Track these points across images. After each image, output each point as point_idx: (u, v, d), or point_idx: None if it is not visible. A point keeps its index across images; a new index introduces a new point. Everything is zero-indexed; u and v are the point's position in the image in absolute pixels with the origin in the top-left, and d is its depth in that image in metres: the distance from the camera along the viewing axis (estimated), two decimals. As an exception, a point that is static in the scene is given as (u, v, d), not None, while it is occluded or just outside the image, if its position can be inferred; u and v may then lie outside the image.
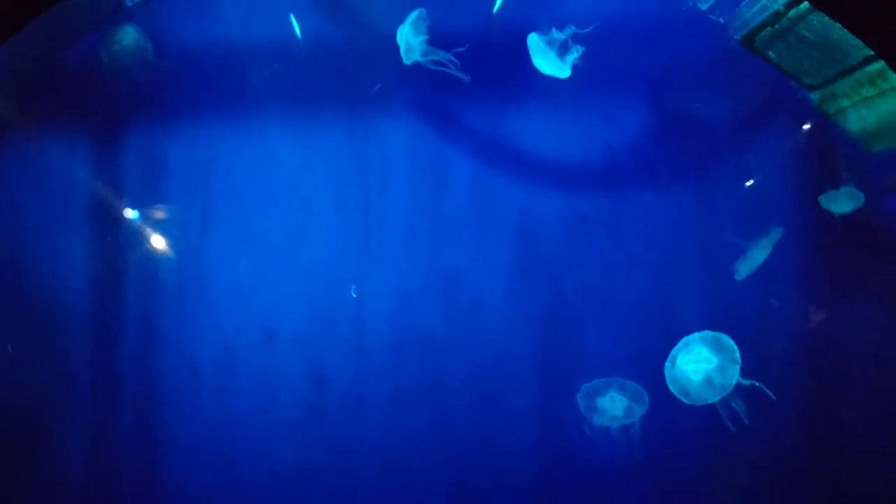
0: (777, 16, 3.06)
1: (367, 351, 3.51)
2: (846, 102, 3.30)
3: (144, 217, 3.41)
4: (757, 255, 3.36)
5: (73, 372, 3.39)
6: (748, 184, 3.44)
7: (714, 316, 3.39)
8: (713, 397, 3.06)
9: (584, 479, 3.51)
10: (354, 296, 3.44)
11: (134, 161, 3.47)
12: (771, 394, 3.05)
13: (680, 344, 3.08)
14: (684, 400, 3.07)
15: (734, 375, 3.03)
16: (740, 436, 3.16)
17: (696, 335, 3.08)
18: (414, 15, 3.24)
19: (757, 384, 3.08)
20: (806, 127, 3.46)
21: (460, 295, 3.55)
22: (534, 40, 3.24)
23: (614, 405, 3.27)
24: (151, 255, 3.42)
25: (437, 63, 3.28)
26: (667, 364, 3.08)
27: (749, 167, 3.46)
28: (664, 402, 3.31)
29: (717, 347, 3.06)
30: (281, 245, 3.48)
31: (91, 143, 3.49)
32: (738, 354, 3.05)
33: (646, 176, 3.53)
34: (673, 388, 3.08)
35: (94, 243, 3.42)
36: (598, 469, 3.47)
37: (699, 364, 3.06)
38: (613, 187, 3.59)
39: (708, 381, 3.04)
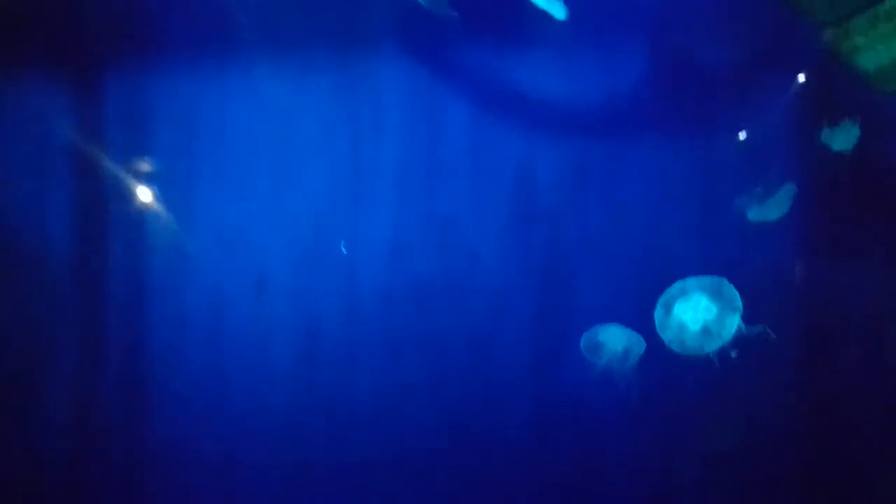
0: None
1: (360, 300, 3.51)
2: (861, 40, 3.17)
3: (128, 163, 3.40)
4: (771, 210, 3.23)
5: (58, 324, 3.39)
6: (750, 131, 3.30)
7: (714, 266, 3.28)
8: (710, 347, 2.96)
9: (580, 428, 3.53)
10: (344, 251, 3.37)
11: (116, 104, 3.46)
12: (773, 335, 2.92)
13: (676, 291, 2.98)
14: (679, 349, 2.97)
15: (733, 324, 2.92)
16: (736, 386, 3.03)
17: (694, 282, 2.98)
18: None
19: (760, 330, 2.94)
20: (811, 70, 3.31)
21: (455, 244, 3.54)
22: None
23: (612, 351, 3.18)
24: (136, 202, 3.42)
25: (431, 2, 3.22)
26: (660, 311, 2.98)
27: (753, 113, 3.32)
28: (662, 351, 3.25)
29: (716, 295, 2.96)
30: (270, 192, 3.44)
31: (71, 86, 3.48)
32: (738, 303, 2.94)
33: (647, 121, 3.49)
34: (667, 337, 2.98)
35: (77, 191, 3.41)
36: (595, 418, 3.49)
37: (697, 313, 2.96)
38: (613, 133, 3.56)
39: (706, 330, 2.95)
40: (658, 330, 3.10)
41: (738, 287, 3.15)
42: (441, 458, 3.54)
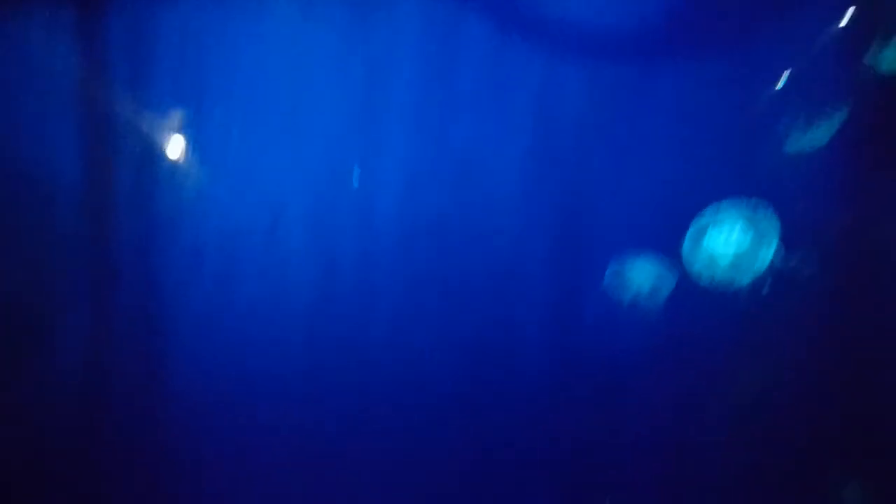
0: None
1: (376, 237, 3.39)
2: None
3: (136, 96, 3.25)
4: (813, 138, 2.99)
5: (67, 260, 3.27)
6: (792, 51, 3.06)
7: (751, 197, 3.04)
8: (742, 281, 2.74)
9: (603, 370, 3.37)
10: (356, 183, 3.20)
11: (122, 36, 3.33)
12: (810, 269, 2.69)
13: (706, 220, 2.76)
14: (707, 282, 2.76)
15: (768, 256, 2.70)
16: (769, 322, 2.81)
17: (727, 211, 2.76)
18: None
19: (797, 263, 2.72)
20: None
21: (474, 178, 3.38)
22: None
23: (638, 288, 2.98)
24: (145, 136, 3.27)
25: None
26: (688, 242, 2.76)
27: (794, 31, 3.07)
28: (692, 287, 3.04)
29: (751, 225, 2.74)
30: (282, 125, 3.29)
31: (75, 17, 3.32)
32: (775, 234, 2.72)
33: (680, 43, 3.25)
34: (695, 270, 2.77)
35: (86, 125, 3.28)
36: (619, 360, 3.33)
37: (730, 243, 2.74)
38: (644, 55, 3.34)
39: (738, 262, 2.73)
40: (685, 262, 2.88)
41: (779, 217, 2.91)
42: (457, 397, 3.40)
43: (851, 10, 3.12)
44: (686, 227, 3.18)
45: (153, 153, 3.27)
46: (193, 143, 3.28)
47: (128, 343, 3.29)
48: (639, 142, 3.38)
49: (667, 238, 3.26)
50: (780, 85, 3.23)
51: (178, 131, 3.25)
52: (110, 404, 3.26)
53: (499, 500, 3.45)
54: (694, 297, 3.17)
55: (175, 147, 3.26)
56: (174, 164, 3.29)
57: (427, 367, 3.41)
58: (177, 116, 3.25)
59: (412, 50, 3.36)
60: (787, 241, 2.97)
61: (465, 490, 3.44)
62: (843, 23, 3.13)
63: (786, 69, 3.21)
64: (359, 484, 3.35)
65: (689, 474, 3.42)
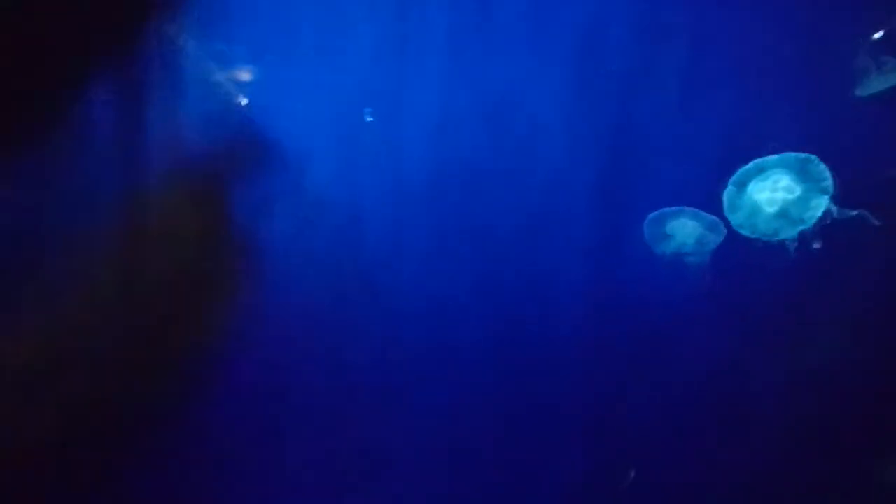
0: None
1: (406, 181, 3.22)
2: None
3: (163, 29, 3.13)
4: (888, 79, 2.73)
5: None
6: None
7: (809, 144, 2.80)
8: (788, 233, 2.52)
9: (645, 319, 3.22)
10: (370, 119, 3.05)
11: None
12: (876, 221, 2.46)
13: (752, 167, 2.55)
14: (747, 233, 2.55)
15: (819, 207, 2.48)
16: (823, 280, 2.60)
17: (775, 158, 2.53)
18: None
19: (857, 216, 2.49)
20: None
21: (512, 118, 3.18)
22: None
23: (685, 234, 2.79)
24: (170, 72, 3.16)
25: None
26: (732, 189, 2.55)
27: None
28: (742, 241, 2.83)
29: (801, 174, 2.51)
30: (309, 62, 3.13)
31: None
32: (828, 183, 2.48)
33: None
34: (736, 219, 2.56)
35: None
36: (661, 309, 3.16)
37: (776, 192, 2.52)
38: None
39: (784, 212, 2.51)
40: (726, 211, 2.66)
41: (836, 168, 2.66)
42: (489, 353, 3.25)
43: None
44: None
45: (178, 90, 3.15)
46: (218, 81, 3.15)
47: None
48: (690, 80, 3.14)
49: (716, 186, 3.04)
50: (852, 19, 2.93)
51: (204, 68, 3.13)
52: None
53: (534, 454, 3.33)
54: (743, 249, 2.94)
55: (200, 84, 3.14)
56: (197, 101, 3.17)
57: (459, 316, 3.28)
58: (202, 53, 3.12)
59: None
60: (849, 192, 2.70)
61: (500, 445, 3.33)
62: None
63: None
64: (388, 436, 3.25)
65: (734, 434, 3.23)
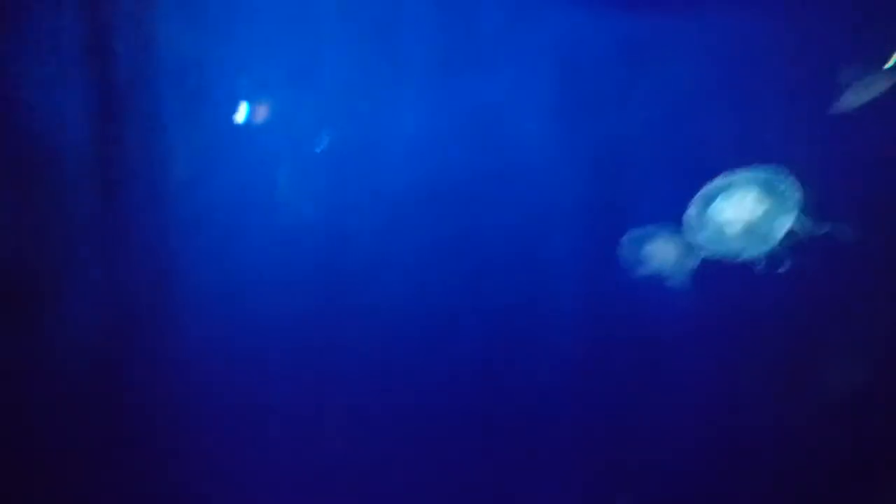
0: None
1: (389, 200, 3.21)
2: None
3: (137, 56, 3.22)
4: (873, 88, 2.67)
5: (74, 227, 3.28)
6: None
7: (794, 158, 2.74)
8: (755, 250, 2.48)
9: (639, 338, 3.19)
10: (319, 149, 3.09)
11: None
12: (851, 234, 2.40)
13: (719, 184, 2.51)
14: (712, 251, 2.51)
15: (786, 224, 2.43)
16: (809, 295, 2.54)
17: (742, 174, 2.49)
18: None
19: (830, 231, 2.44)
20: None
21: (493, 135, 3.15)
22: None
23: (664, 255, 2.75)
24: (147, 98, 3.24)
25: None
26: (696, 207, 2.52)
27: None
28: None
29: (769, 190, 2.47)
30: (286, 81, 3.19)
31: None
32: (796, 200, 2.43)
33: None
34: (702, 237, 2.52)
35: (90, 87, 3.27)
36: (656, 327, 3.13)
37: (742, 209, 2.48)
38: (677, 3, 3.05)
39: (751, 229, 2.46)
40: (691, 228, 2.62)
41: (812, 183, 2.60)
42: (481, 373, 3.26)
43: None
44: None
45: (156, 116, 3.24)
46: (195, 105, 3.22)
47: (135, 309, 3.28)
48: (672, 96, 3.11)
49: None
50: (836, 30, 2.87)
51: (180, 93, 3.21)
52: (118, 372, 3.29)
53: (526, 483, 3.30)
54: (729, 268, 2.89)
55: (182, 109, 3.22)
56: (181, 126, 3.25)
57: (448, 340, 3.27)
58: (180, 76, 3.20)
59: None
60: (822, 208, 2.63)
61: (490, 472, 3.31)
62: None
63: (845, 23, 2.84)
64: (375, 462, 3.26)
65: (729, 457, 3.18)
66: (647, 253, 2.97)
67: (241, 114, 3.25)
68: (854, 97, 2.70)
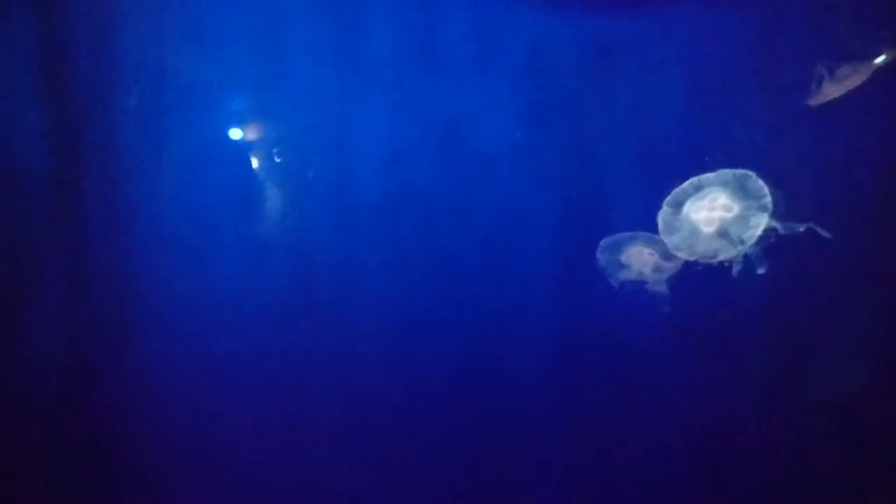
0: None
1: (357, 218, 3.17)
2: None
3: (98, 78, 3.16)
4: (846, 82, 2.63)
5: (36, 249, 3.21)
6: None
7: (770, 160, 2.69)
8: (727, 253, 2.41)
9: (615, 349, 3.12)
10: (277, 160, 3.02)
11: (82, 10, 3.20)
12: (826, 233, 2.34)
13: (688, 186, 2.45)
14: (687, 256, 2.44)
15: (759, 226, 2.36)
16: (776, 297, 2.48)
17: (711, 176, 2.43)
18: None
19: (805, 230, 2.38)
20: None
21: (462, 147, 3.11)
22: None
23: (642, 261, 2.69)
24: (109, 120, 3.18)
25: None
26: (667, 210, 2.45)
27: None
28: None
29: (740, 191, 2.41)
30: (249, 98, 3.13)
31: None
32: (768, 200, 2.37)
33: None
34: (674, 241, 2.46)
35: (49, 110, 3.21)
36: (632, 338, 3.08)
37: (714, 212, 2.42)
38: (646, 5, 2.99)
39: (723, 232, 2.40)
40: (663, 233, 2.55)
41: (785, 182, 2.54)
42: (453, 390, 3.21)
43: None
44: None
45: (120, 137, 3.18)
46: (158, 125, 3.16)
47: (100, 331, 3.21)
48: (642, 101, 3.06)
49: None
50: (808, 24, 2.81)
51: (141, 113, 3.14)
52: (83, 395, 3.21)
53: (501, 492, 3.22)
54: (708, 272, 2.82)
55: (139, 129, 3.16)
56: (143, 144, 3.18)
57: (418, 357, 3.21)
58: (140, 97, 3.14)
59: (388, 8, 3.11)
60: (796, 207, 2.57)
61: (466, 490, 3.22)
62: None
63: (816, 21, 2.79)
64: (343, 483, 3.18)
65: (718, 462, 3.14)
66: (623, 258, 2.90)
67: (206, 130, 3.18)
68: (827, 91, 2.64)
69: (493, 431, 3.18)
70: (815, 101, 2.68)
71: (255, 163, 3.21)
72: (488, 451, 3.19)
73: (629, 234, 2.89)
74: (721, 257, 2.56)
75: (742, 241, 2.51)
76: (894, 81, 2.69)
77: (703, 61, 2.95)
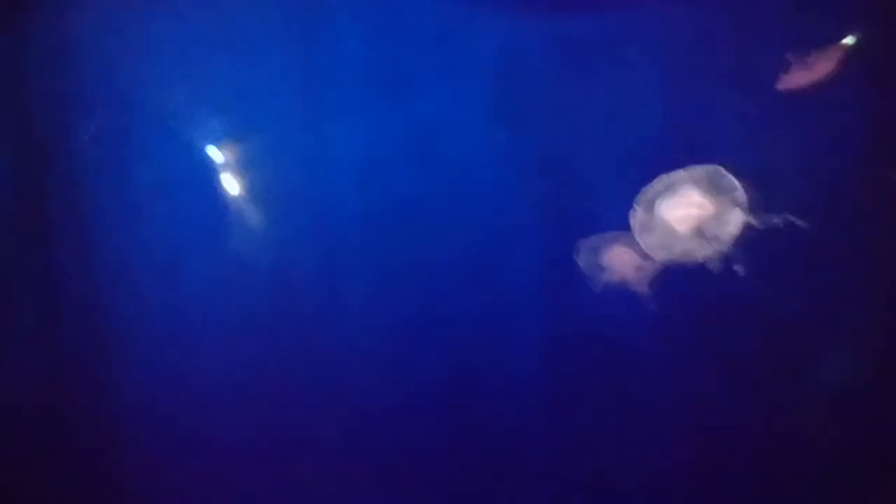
0: None
1: (334, 232, 3.15)
2: None
3: (57, 106, 3.14)
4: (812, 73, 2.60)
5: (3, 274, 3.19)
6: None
7: (743, 154, 2.64)
8: (705, 251, 2.38)
9: (609, 352, 3.06)
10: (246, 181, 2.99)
11: (42, 34, 3.18)
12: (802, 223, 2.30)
13: (658, 184, 2.41)
14: (664, 257, 2.41)
15: (735, 222, 2.33)
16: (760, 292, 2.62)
17: (682, 173, 2.40)
18: None
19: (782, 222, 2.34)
20: None
21: (435, 154, 3.08)
22: None
23: (623, 262, 2.66)
24: (71, 147, 3.16)
25: None
26: (638, 211, 2.42)
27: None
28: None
29: (713, 187, 2.37)
30: (214, 117, 3.11)
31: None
32: (742, 195, 2.33)
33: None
34: (647, 243, 2.42)
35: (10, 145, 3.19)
36: (626, 340, 3.02)
37: (687, 210, 2.38)
38: (614, 2, 3.01)
39: (698, 231, 2.36)
40: (637, 234, 2.52)
41: (758, 176, 2.50)
42: (444, 403, 3.17)
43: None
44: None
45: (87, 158, 3.16)
46: (120, 152, 3.14)
47: (71, 355, 3.19)
48: (615, 99, 3.03)
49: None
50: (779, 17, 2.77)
51: (110, 133, 3.13)
52: (55, 421, 3.20)
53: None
54: (691, 271, 2.79)
55: (109, 150, 3.15)
56: (109, 167, 3.17)
57: (404, 373, 3.17)
58: (107, 117, 3.13)
59: (354, 25, 3.08)
60: (770, 201, 2.53)
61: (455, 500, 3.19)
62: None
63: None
64: (330, 497, 3.16)
65: (707, 469, 3.10)
66: (604, 260, 2.86)
67: (173, 155, 3.16)
68: (798, 79, 2.60)
69: (481, 444, 3.16)
70: (787, 88, 2.63)
71: (224, 185, 3.18)
72: (477, 465, 3.16)
73: (608, 235, 2.84)
74: (699, 256, 2.51)
75: (719, 239, 2.47)
76: (866, 68, 2.63)
77: (674, 55, 2.91)
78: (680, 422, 3.02)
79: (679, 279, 2.83)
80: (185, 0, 3.16)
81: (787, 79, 2.63)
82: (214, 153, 3.18)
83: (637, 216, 2.53)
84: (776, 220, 2.45)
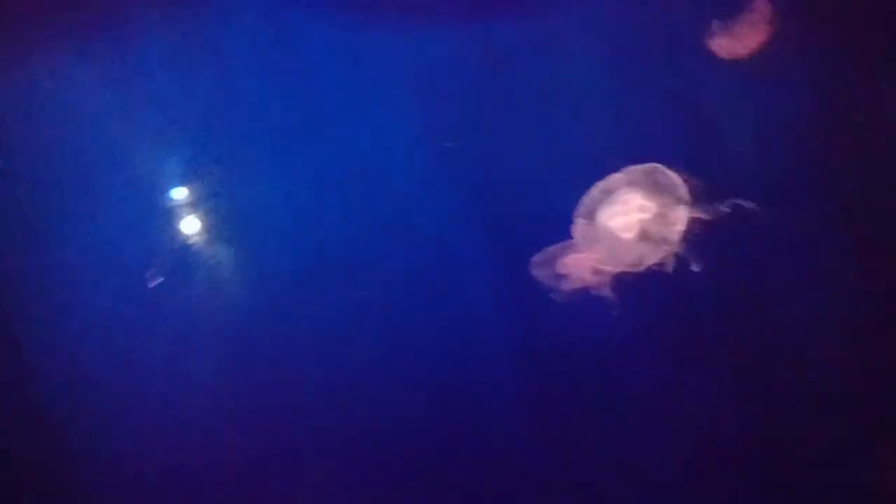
0: None
1: (279, 279, 3.02)
2: None
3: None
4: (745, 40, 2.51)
5: None
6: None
7: (680, 146, 2.53)
8: (655, 256, 2.26)
9: (581, 357, 2.91)
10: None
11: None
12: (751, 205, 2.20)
13: (596, 193, 2.29)
14: (613, 266, 2.30)
15: (681, 220, 2.21)
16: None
17: (619, 176, 2.28)
18: None
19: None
20: None
21: (369, 185, 2.95)
22: None
23: (579, 268, 2.56)
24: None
25: None
26: (581, 222, 2.30)
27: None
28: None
29: (654, 187, 2.26)
30: (146, 161, 3.00)
31: None
32: (683, 190, 2.21)
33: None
34: (595, 255, 2.30)
35: None
36: (585, 345, 2.88)
37: (629, 215, 2.26)
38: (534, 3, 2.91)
39: (645, 235, 2.25)
40: (581, 246, 2.40)
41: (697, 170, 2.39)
42: (423, 432, 3.01)
43: None
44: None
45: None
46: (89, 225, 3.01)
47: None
48: (551, 98, 2.93)
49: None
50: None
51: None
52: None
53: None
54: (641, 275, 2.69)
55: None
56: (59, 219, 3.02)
57: (381, 394, 3.00)
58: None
59: (262, 63, 2.96)
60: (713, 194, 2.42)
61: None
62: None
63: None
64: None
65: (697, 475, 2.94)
66: (560, 269, 2.75)
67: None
68: (727, 49, 2.47)
69: (464, 459, 3.05)
70: (719, 53, 2.50)
71: (139, 255, 3.04)
72: (460, 477, 3.05)
73: (560, 244, 2.73)
74: (651, 261, 2.39)
75: (668, 240, 2.35)
76: (800, 44, 2.51)
77: (601, 52, 2.79)
78: (656, 419, 2.92)
79: (640, 279, 2.72)
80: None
81: (717, 49, 2.51)
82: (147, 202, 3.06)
83: (579, 228, 2.40)
84: (723, 207, 2.32)
